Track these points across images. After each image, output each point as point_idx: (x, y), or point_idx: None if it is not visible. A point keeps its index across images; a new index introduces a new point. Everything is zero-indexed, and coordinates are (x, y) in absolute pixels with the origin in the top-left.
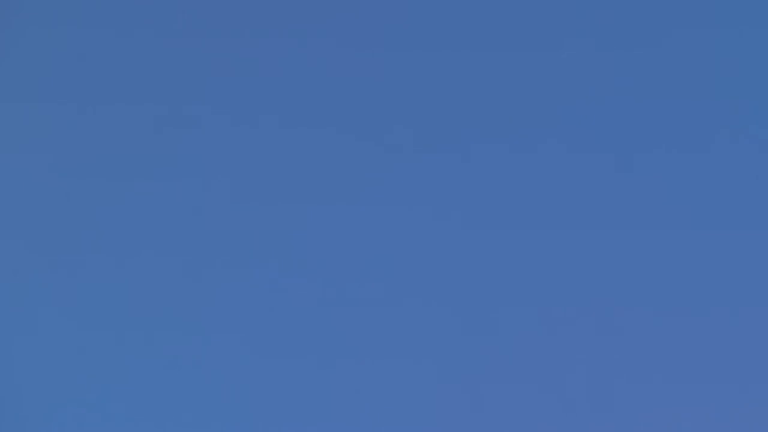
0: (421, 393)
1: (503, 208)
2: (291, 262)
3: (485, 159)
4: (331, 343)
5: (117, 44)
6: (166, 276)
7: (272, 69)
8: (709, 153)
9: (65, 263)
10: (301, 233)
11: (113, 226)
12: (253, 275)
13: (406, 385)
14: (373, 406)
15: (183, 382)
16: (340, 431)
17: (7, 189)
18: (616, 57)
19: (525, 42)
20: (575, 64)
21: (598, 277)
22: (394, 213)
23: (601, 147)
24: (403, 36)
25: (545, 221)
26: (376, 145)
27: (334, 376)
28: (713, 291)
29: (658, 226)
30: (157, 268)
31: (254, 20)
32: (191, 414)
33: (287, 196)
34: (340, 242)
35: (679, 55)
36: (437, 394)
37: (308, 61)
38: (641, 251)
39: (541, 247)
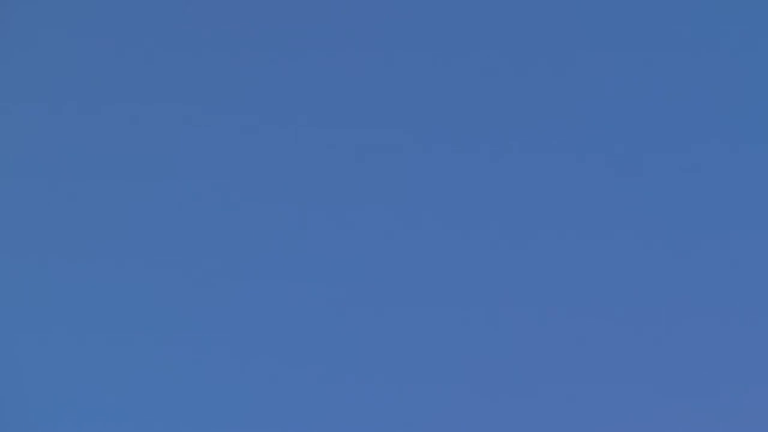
0: (422, 394)
1: (505, 209)
2: (292, 264)
3: (486, 160)
4: (331, 346)
5: (117, 45)
6: (168, 277)
7: (273, 69)
8: (708, 156)
9: (66, 264)
10: (303, 235)
11: (115, 228)
12: (254, 277)
13: (408, 388)
14: (373, 407)
15: (184, 385)
16: None
17: (8, 189)
18: (615, 58)
19: (524, 43)
20: (575, 66)
21: (599, 279)
22: (395, 214)
23: (600, 149)
24: (402, 37)
25: (546, 222)
26: (377, 145)
27: (334, 377)
28: (713, 293)
29: (658, 228)
30: (159, 270)
31: (255, 20)
32: (191, 416)
33: (286, 198)
34: (341, 244)
35: (679, 57)
36: (437, 396)
37: (308, 61)
38: (641, 253)
39: (543, 249)
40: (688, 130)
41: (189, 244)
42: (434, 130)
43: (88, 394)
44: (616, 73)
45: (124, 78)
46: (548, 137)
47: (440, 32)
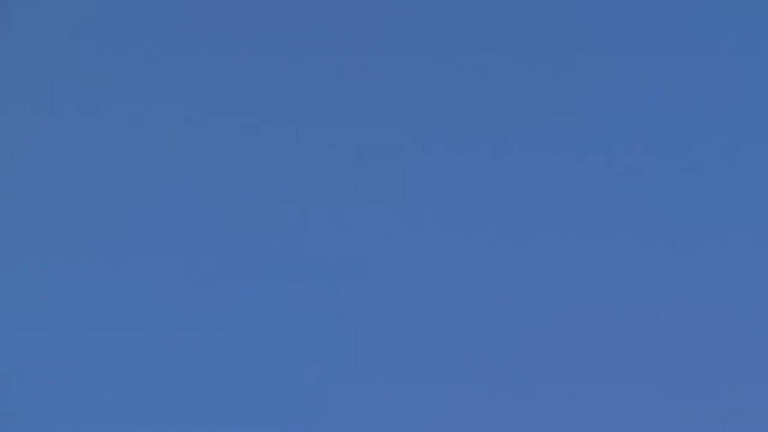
0: (422, 394)
1: (505, 209)
2: (292, 264)
3: (486, 160)
4: (331, 346)
5: (117, 45)
6: (168, 277)
7: (273, 69)
8: (708, 156)
9: (66, 264)
10: (303, 235)
11: (115, 228)
12: (254, 277)
13: (408, 388)
14: (373, 407)
15: (184, 385)
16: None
17: (8, 189)
18: (615, 58)
19: (524, 43)
20: (575, 66)
21: (599, 279)
22: (395, 214)
23: (600, 149)
24: (402, 37)
25: (546, 223)
26: (377, 145)
27: (334, 377)
28: (713, 293)
29: (658, 228)
30: (159, 270)
31: (255, 20)
32: (191, 416)
33: (286, 197)
34: (341, 244)
35: (679, 57)
36: (437, 396)
37: (308, 61)
38: (641, 253)
39: (543, 249)
40: (688, 130)
41: (189, 244)
42: (434, 130)
43: (88, 394)
44: (616, 73)
45: (124, 78)
46: (548, 137)
47: (440, 32)
